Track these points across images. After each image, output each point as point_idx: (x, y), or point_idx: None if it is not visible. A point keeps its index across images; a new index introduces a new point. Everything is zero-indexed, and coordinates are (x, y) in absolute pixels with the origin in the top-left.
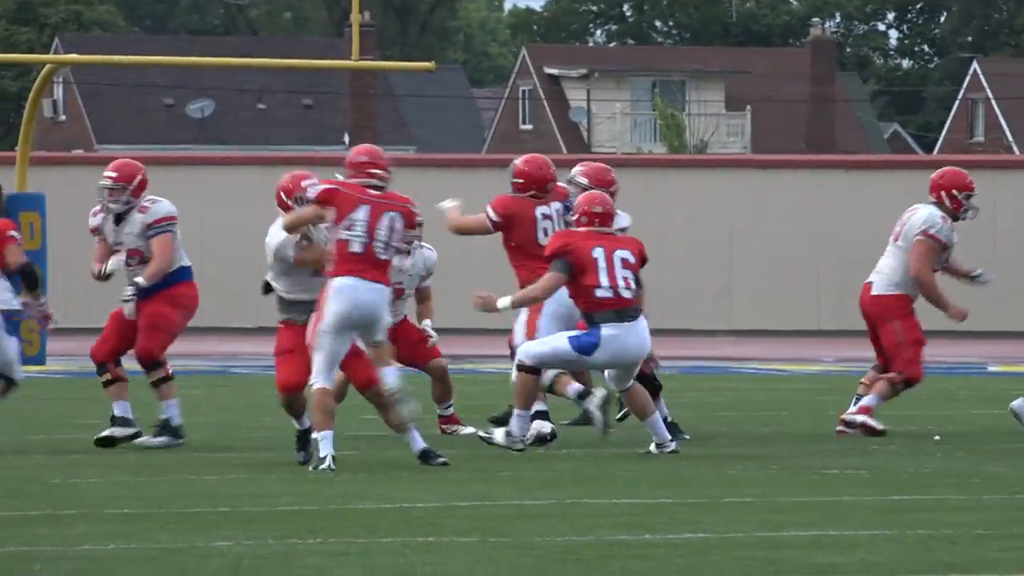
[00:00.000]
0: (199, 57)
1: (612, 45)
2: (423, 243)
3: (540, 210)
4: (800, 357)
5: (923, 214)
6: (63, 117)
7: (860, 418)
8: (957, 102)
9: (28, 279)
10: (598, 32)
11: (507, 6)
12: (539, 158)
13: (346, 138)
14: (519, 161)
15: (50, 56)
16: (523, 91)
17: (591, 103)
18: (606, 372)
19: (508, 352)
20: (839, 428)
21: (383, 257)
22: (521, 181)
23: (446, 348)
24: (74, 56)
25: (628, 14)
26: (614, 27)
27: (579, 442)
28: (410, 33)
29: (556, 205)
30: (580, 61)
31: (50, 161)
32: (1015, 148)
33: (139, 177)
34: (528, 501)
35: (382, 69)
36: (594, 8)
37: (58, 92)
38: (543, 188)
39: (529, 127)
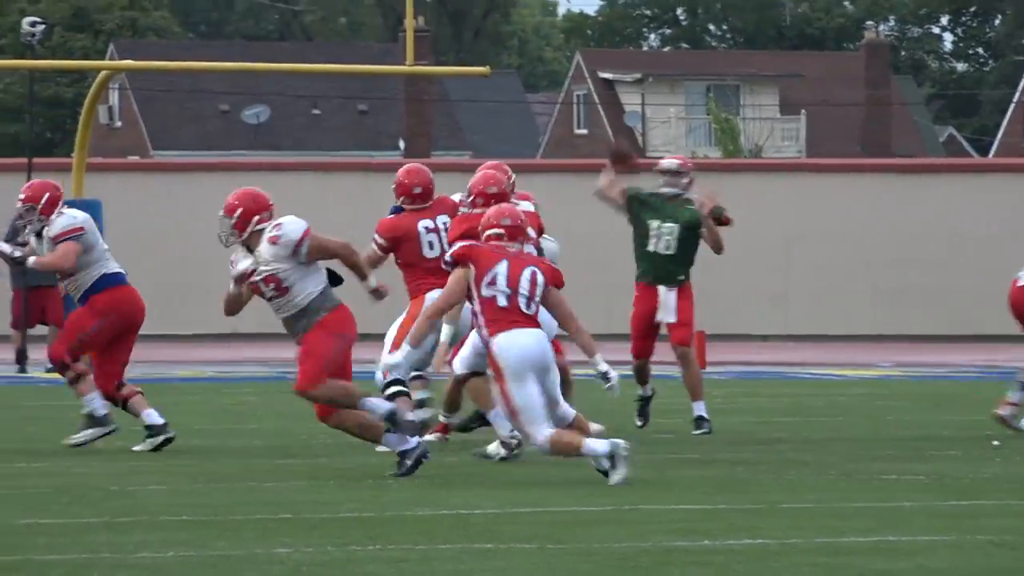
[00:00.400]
0: (254, 63)
1: (666, 49)
2: (545, 235)
3: (423, 223)
4: (857, 362)
5: None
6: (119, 123)
7: None
8: (1013, 105)
9: None
10: (652, 36)
11: (560, 11)
12: (412, 167)
13: (401, 144)
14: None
15: (105, 62)
16: (577, 96)
17: (645, 107)
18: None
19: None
20: None
21: (529, 312)
22: (394, 186)
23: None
24: (129, 62)
25: (682, 18)
26: (668, 31)
27: (636, 448)
28: (464, 38)
29: (443, 218)
30: (634, 65)
31: (106, 167)
32: None
33: (47, 195)
34: (586, 507)
35: (437, 74)
36: (648, 12)
37: (114, 98)
38: (409, 194)
39: (584, 132)
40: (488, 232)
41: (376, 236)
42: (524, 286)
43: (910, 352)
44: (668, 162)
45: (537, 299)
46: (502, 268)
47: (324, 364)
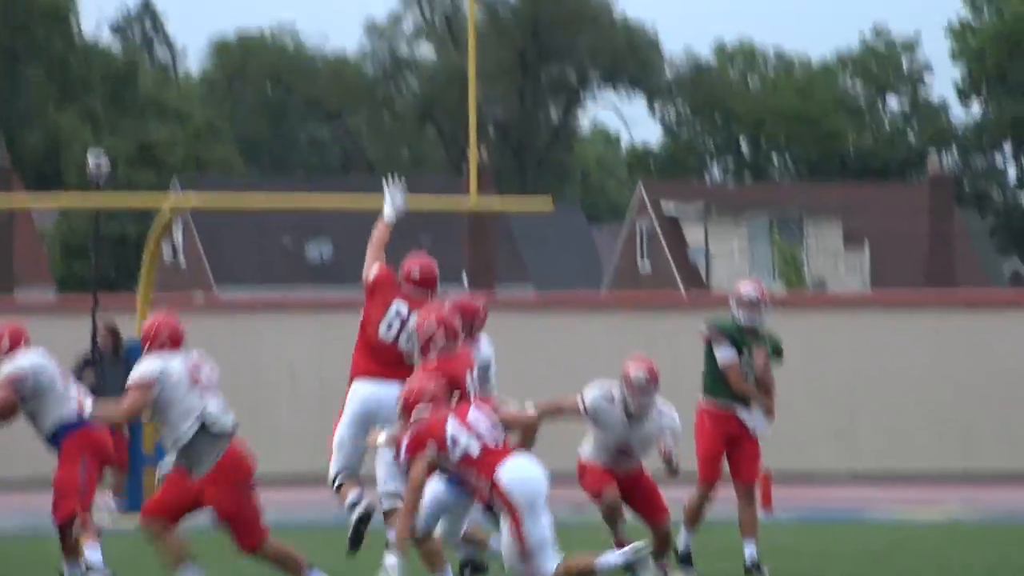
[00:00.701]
0: (317, 196)
1: (729, 182)
2: (661, 407)
3: (399, 305)
4: (925, 500)
5: None
6: (183, 264)
7: None
8: None
9: None
10: (715, 167)
11: (623, 143)
12: (421, 259)
13: (464, 277)
14: None
15: (169, 199)
16: (640, 227)
17: (708, 241)
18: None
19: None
20: None
21: (501, 444)
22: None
23: None
24: (193, 199)
25: (745, 150)
26: (731, 163)
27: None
28: (527, 170)
29: (416, 318)
30: (697, 197)
31: (171, 306)
32: None
33: (9, 335)
34: None
35: (500, 210)
36: (711, 144)
37: (177, 235)
38: (408, 278)
39: (647, 264)
40: (416, 414)
41: (374, 267)
42: (481, 426)
43: (980, 491)
44: (748, 293)
45: (499, 426)
46: (452, 426)
47: (256, 521)
